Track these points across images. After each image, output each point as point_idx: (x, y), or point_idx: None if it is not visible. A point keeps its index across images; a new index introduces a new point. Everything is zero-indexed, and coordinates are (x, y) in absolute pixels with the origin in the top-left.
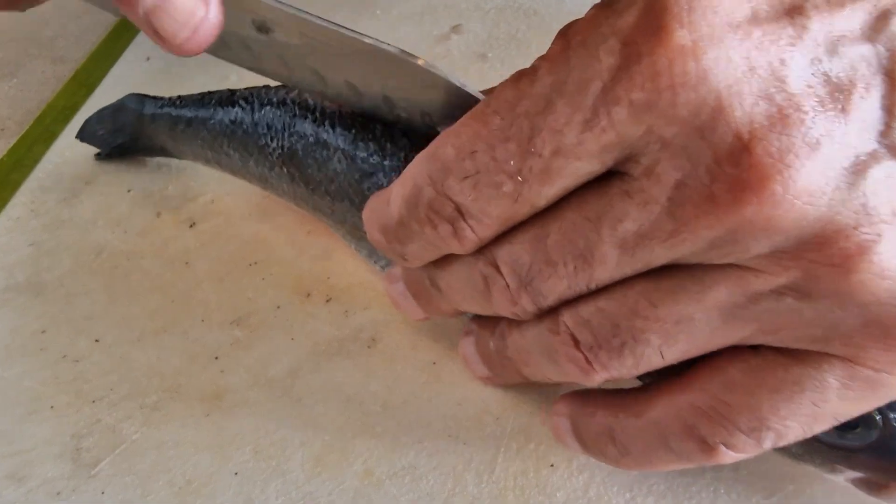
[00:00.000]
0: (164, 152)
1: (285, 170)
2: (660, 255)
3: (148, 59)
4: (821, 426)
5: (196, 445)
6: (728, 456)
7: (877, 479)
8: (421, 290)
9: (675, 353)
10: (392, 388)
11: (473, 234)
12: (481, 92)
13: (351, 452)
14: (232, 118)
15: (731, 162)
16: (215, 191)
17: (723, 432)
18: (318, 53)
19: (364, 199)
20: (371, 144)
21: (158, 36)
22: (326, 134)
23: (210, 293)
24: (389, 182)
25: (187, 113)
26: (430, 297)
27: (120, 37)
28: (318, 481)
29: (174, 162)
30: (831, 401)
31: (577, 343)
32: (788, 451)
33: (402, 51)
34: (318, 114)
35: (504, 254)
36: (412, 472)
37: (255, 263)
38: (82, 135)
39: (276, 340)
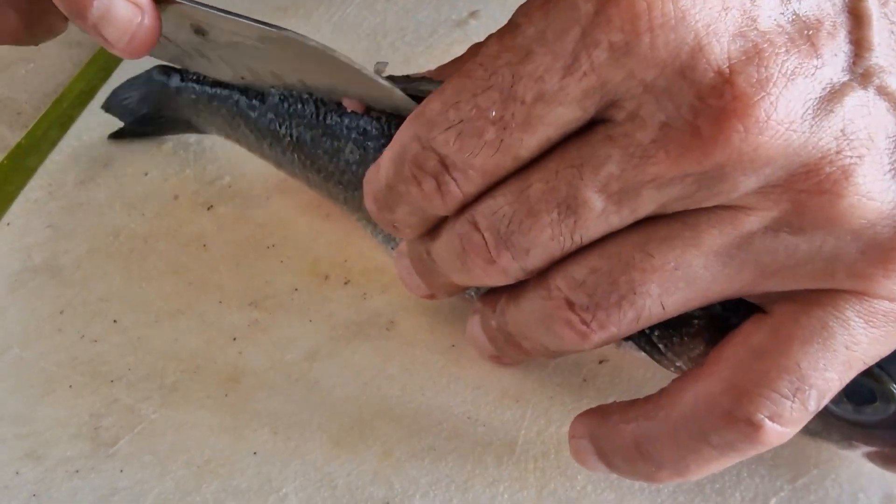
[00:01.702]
0: (188, 126)
1: (296, 156)
2: (647, 200)
3: None
4: (856, 371)
5: (214, 426)
6: (775, 432)
7: (893, 453)
8: (421, 265)
9: (676, 303)
10: (410, 372)
11: (458, 188)
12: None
13: (370, 434)
14: (248, 99)
15: (714, 95)
16: (233, 174)
17: (766, 403)
18: (251, 51)
19: None
20: (377, 131)
21: (106, 42)
22: (333, 123)
23: (227, 276)
24: None
25: (209, 90)
26: (428, 271)
27: None
28: (336, 462)
29: (191, 145)
30: (861, 341)
31: (571, 306)
32: (806, 428)
33: (324, 45)
34: (317, 104)
35: (484, 208)
36: (431, 454)
37: (273, 246)
38: (108, 105)
39: (294, 323)
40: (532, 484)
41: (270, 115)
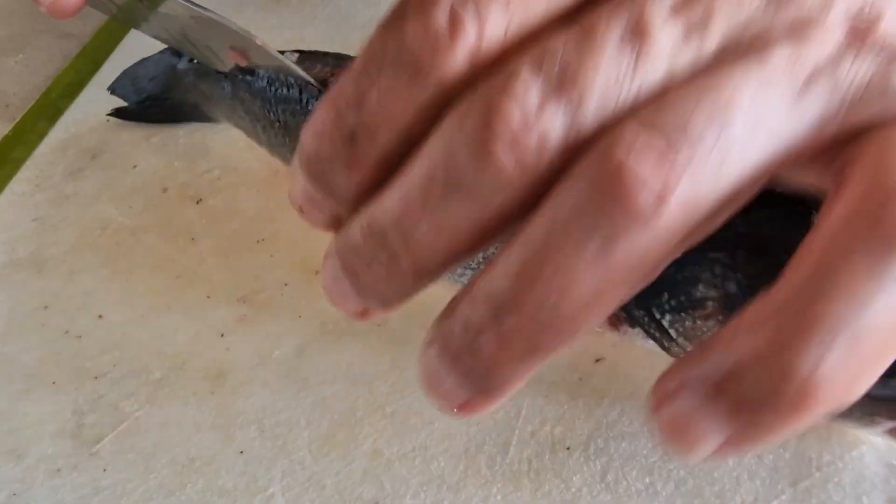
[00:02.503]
0: (194, 111)
1: (287, 140)
2: (715, 31)
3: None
4: None
5: (200, 424)
6: None
7: None
8: (359, 255)
9: (759, 155)
10: (401, 369)
11: (476, 24)
12: None
13: (359, 433)
14: (241, 84)
15: None
16: (222, 167)
17: None
18: (180, 19)
19: None
20: None
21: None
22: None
23: (216, 270)
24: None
25: (211, 74)
26: (369, 263)
27: None
28: (325, 461)
29: (180, 138)
30: None
31: (631, 165)
32: None
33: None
34: (301, 89)
35: (535, 53)
36: (423, 454)
37: (263, 241)
38: (115, 86)
39: (283, 318)
40: (526, 485)
41: (259, 100)
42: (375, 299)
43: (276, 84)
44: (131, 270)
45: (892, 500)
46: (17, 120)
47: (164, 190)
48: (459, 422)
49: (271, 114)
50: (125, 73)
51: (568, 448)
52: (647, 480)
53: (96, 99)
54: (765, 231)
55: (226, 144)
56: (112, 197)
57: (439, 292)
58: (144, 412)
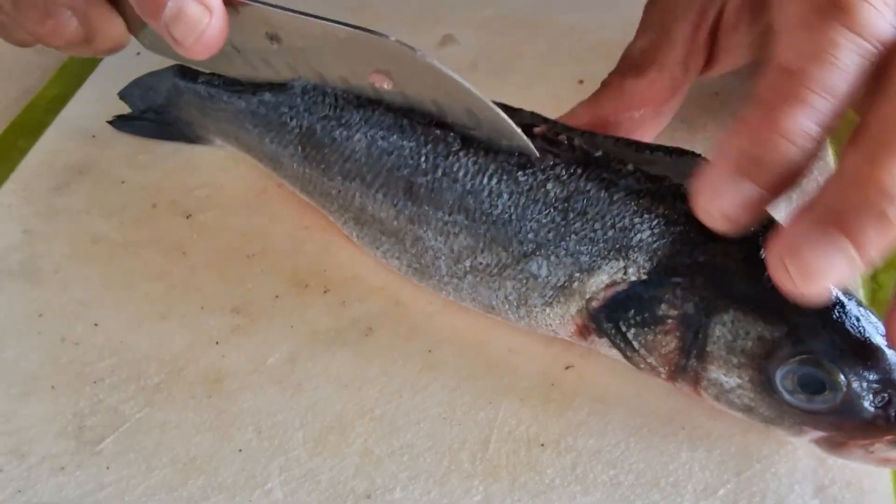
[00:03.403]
0: (188, 129)
1: (300, 149)
2: None
3: (138, 53)
4: None
5: (198, 426)
6: None
7: (837, 438)
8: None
9: None
10: (389, 375)
11: None
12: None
13: (350, 433)
14: (259, 97)
15: None
16: (210, 185)
17: None
18: (327, 55)
19: (377, 176)
20: (387, 122)
21: (174, 41)
22: (348, 115)
23: (209, 282)
24: (404, 159)
25: (220, 86)
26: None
27: None
28: (319, 459)
29: (168, 156)
30: None
31: None
32: (761, 416)
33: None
34: (338, 97)
35: None
36: (410, 451)
37: (253, 255)
38: (124, 92)
39: (276, 328)
40: (504, 477)
41: (283, 108)
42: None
43: (311, 93)
44: (124, 281)
45: (820, 488)
46: None
47: (154, 206)
48: (443, 422)
49: (293, 120)
50: (137, 82)
51: (542, 445)
52: (612, 472)
53: (81, 114)
54: (720, 261)
55: (212, 163)
56: (102, 212)
57: (425, 307)
58: (144, 414)
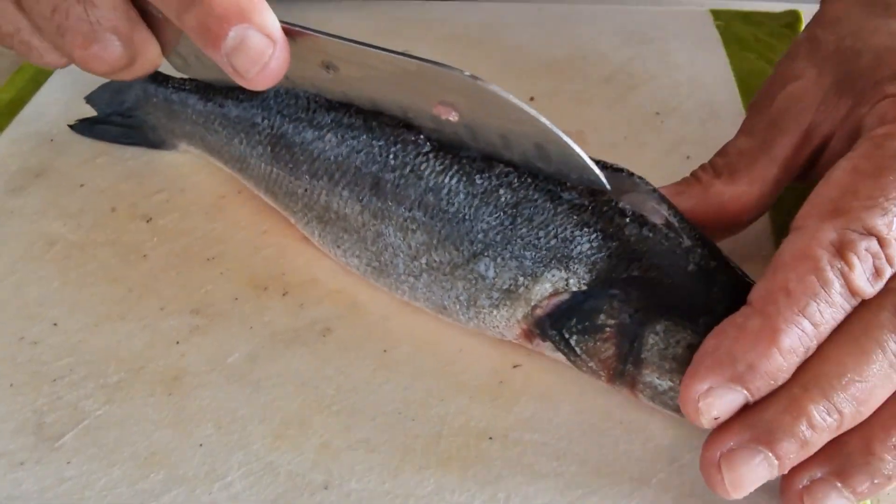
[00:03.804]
0: (152, 133)
1: (269, 148)
2: None
3: None
4: None
5: (159, 421)
6: None
7: None
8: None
9: None
10: (346, 374)
11: None
12: None
13: (309, 428)
14: (231, 98)
15: None
16: (170, 189)
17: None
18: (378, 83)
19: (345, 174)
20: (358, 124)
21: (235, 72)
22: (320, 117)
23: (167, 284)
24: (373, 157)
25: (190, 90)
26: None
27: None
28: (278, 453)
29: (128, 160)
30: None
31: None
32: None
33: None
34: (310, 100)
35: None
36: (366, 445)
37: (213, 258)
38: (91, 96)
39: (235, 329)
40: (455, 469)
41: (255, 110)
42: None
43: (283, 97)
44: (83, 282)
45: None
46: None
47: (113, 209)
48: (398, 418)
49: (264, 120)
50: (105, 86)
51: (490, 438)
52: (555, 464)
53: (38, 118)
54: (653, 275)
55: (172, 168)
56: (58, 214)
57: (381, 310)
58: (104, 412)
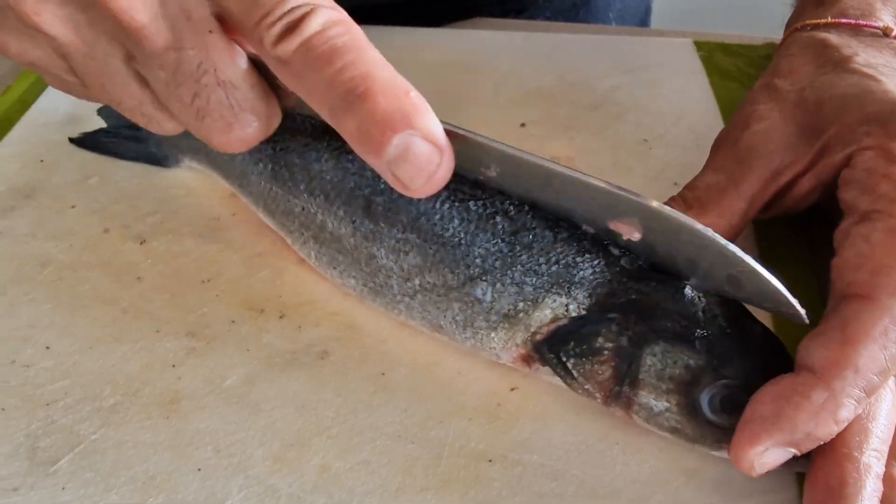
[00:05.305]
0: (157, 147)
1: (270, 166)
2: None
3: None
4: None
5: (156, 445)
6: None
7: None
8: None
9: None
10: (344, 396)
11: None
12: None
13: (308, 450)
14: None
15: None
16: (164, 211)
17: None
18: (547, 189)
19: (339, 194)
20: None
21: (398, 180)
22: (320, 138)
23: (162, 307)
24: (366, 179)
25: None
26: None
27: None
28: (278, 476)
29: (120, 182)
30: None
31: None
32: (685, 435)
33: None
34: (308, 124)
35: None
36: (366, 467)
37: (208, 281)
38: (102, 109)
39: (232, 351)
40: (456, 490)
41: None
42: None
43: (288, 117)
44: (75, 304)
45: (739, 496)
46: None
47: (106, 231)
48: (397, 440)
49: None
50: None
51: (489, 460)
52: (554, 484)
53: (26, 139)
54: (650, 299)
55: (165, 189)
56: (49, 235)
57: (378, 332)
58: (100, 435)
